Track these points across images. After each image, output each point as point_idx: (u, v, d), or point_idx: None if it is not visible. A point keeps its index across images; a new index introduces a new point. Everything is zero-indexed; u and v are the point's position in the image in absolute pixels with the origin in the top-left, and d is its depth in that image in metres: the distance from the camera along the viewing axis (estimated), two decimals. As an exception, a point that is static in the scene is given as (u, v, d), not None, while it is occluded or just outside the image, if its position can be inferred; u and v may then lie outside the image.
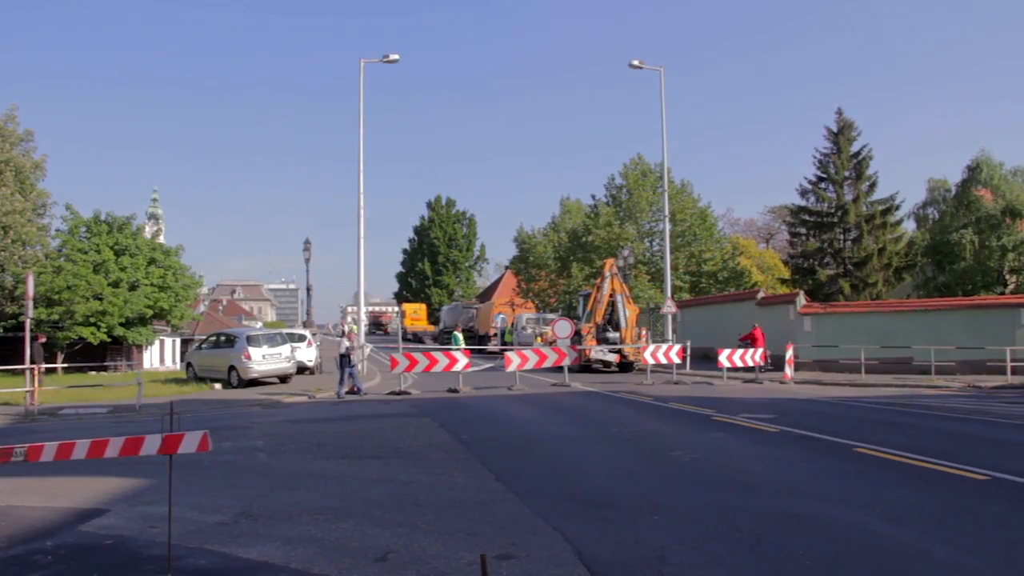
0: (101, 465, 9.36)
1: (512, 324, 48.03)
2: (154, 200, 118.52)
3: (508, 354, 23.87)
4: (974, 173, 38.69)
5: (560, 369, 24.88)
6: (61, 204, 41.26)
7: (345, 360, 22.06)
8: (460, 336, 36.01)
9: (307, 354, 29.60)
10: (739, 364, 25.29)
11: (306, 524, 7.18)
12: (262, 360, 24.96)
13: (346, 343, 22.44)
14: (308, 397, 21.53)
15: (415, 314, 74.45)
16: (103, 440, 5.42)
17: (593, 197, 56.24)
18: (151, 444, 5.36)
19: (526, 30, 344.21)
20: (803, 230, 42.55)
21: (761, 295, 33.65)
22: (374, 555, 6.15)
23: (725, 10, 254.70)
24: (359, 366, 25.27)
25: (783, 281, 45.26)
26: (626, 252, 40.65)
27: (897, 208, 40.94)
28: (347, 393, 21.77)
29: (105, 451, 5.41)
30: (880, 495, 8.15)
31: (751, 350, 25.54)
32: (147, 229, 51.84)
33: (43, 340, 25.53)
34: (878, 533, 6.64)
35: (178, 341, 57.13)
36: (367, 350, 31.40)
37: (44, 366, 25.08)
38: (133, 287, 39.06)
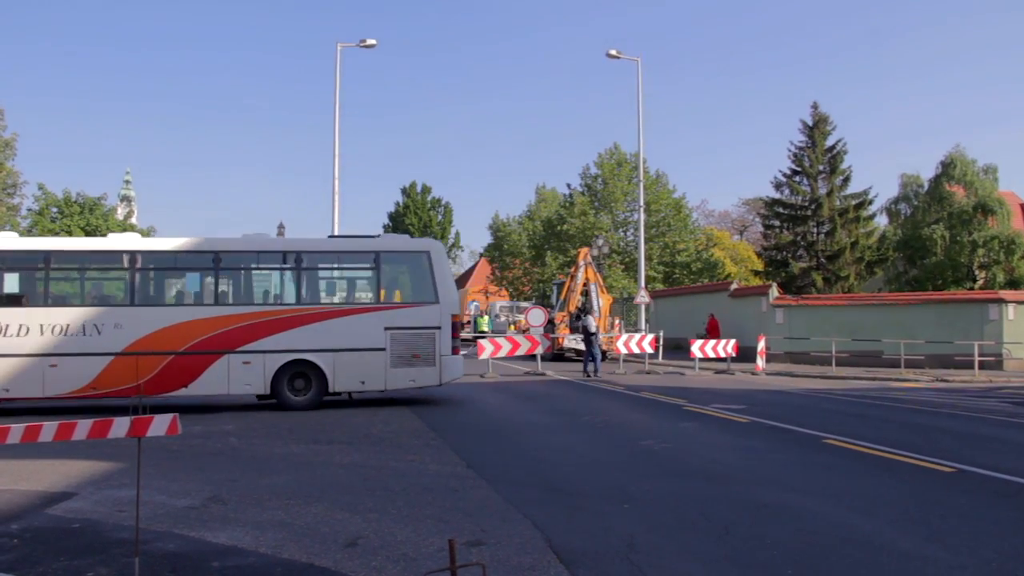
0: (69, 448, 9.26)
1: (485, 311, 48.07)
2: (127, 182, 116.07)
3: (481, 341, 23.87)
4: (947, 169, 38.95)
5: (533, 357, 24.92)
6: (33, 184, 40.71)
7: (593, 338, 22.78)
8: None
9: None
10: (711, 355, 25.42)
11: (276, 509, 7.15)
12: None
13: (593, 323, 22.68)
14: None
15: None
16: (71, 422, 5.34)
17: (568, 186, 56.19)
18: (120, 427, 5.29)
19: (504, 17, 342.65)
20: (777, 223, 42.85)
21: (734, 287, 33.85)
22: (344, 540, 6.13)
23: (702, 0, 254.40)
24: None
25: (756, 273, 45.56)
26: (600, 242, 40.70)
27: (870, 203, 41.34)
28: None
29: (73, 433, 5.32)
30: (848, 486, 8.25)
31: (723, 341, 25.68)
32: (119, 211, 51.05)
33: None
34: (845, 524, 6.72)
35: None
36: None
37: None
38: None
